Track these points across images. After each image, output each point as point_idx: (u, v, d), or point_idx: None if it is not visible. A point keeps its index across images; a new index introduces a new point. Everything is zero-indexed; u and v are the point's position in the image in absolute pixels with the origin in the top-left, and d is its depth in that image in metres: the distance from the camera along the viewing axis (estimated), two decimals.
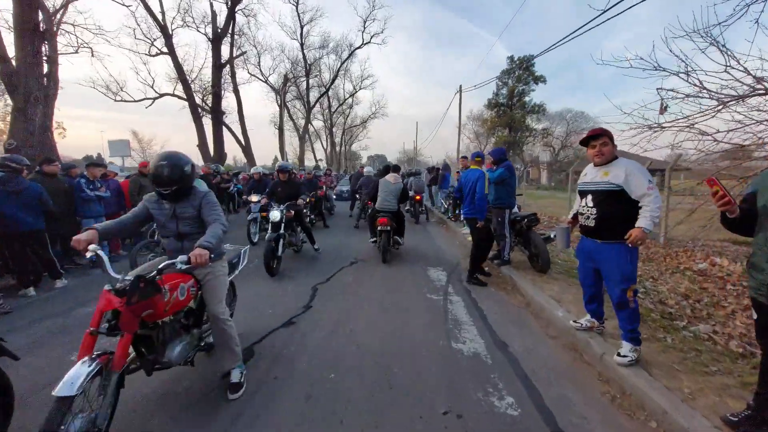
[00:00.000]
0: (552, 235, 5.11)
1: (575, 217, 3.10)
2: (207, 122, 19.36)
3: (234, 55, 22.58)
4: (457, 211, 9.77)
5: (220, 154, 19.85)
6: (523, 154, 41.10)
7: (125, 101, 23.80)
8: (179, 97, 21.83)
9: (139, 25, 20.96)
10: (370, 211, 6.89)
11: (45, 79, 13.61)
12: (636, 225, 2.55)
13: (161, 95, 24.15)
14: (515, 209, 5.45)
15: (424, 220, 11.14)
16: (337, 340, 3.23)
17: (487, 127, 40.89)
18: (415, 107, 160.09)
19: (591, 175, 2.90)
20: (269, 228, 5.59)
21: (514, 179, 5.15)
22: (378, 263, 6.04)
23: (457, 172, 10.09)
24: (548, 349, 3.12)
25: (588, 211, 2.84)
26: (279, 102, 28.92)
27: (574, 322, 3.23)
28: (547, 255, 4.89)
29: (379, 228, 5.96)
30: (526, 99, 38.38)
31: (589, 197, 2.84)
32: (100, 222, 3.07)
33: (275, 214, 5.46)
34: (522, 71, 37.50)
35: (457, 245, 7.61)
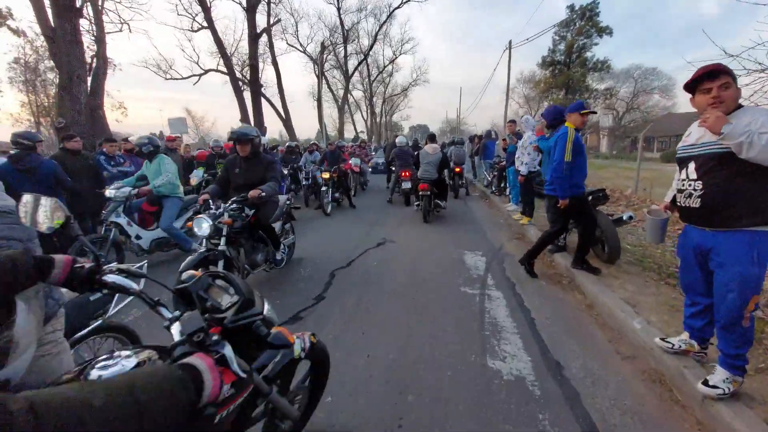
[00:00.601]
0: (625, 217, 4.07)
1: (673, 200, 2.17)
2: (248, 96, 19.29)
3: (270, 23, 22.08)
4: (502, 185, 8.70)
5: (260, 127, 19.87)
6: None
7: (174, 79, 24.62)
8: (221, 72, 22.02)
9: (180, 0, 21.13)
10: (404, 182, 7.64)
11: (94, 58, 13.92)
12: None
13: (206, 71, 24.66)
14: None
15: (464, 195, 10.13)
16: (345, 344, 2.67)
17: (540, 90, 37.21)
18: (459, 74, 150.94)
19: (697, 135, 1.95)
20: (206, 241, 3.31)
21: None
22: (408, 244, 5.40)
23: (503, 139, 8.90)
24: (621, 378, 2.30)
25: (691, 186, 1.93)
26: (317, 72, 28.21)
27: (663, 340, 2.35)
28: (618, 241, 3.89)
29: (420, 193, 6.71)
30: (588, 55, 34.09)
31: (692, 166, 1.92)
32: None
33: (203, 225, 3.09)
34: (584, 22, 33.14)
35: (501, 225, 6.68)
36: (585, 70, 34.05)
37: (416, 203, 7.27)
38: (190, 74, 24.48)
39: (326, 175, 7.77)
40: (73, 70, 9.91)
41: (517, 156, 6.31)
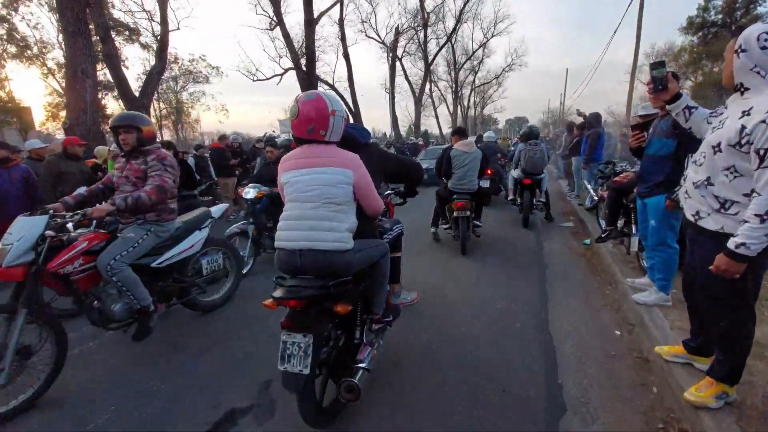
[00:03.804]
0: None
1: None
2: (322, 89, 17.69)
3: (342, 14, 20.21)
4: (621, 222, 4.32)
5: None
6: None
7: (260, 80, 24.72)
8: (293, 68, 20.94)
9: (259, 1, 20.71)
10: (439, 189, 5.08)
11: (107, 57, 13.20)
12: None
13: (286, 70, 24.24)
14: None
15: (539, 222, 6.14)
16: None
17: (683, 62, 28.11)
18: (564, 58, 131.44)
19: None
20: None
21: None
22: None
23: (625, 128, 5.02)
24: None
25: None
26: (389, 61, 25.59)
27: None
28: None
29: (455, 214, 4.57)
30: (762, 9, 24.23)
31: None
32: None
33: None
34: None
35: (615, 322, 2.96)
36: None
37: (445, 226, 5.04)
38: (272, 74, 24.35)
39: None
40: (77, 64, 8.93)
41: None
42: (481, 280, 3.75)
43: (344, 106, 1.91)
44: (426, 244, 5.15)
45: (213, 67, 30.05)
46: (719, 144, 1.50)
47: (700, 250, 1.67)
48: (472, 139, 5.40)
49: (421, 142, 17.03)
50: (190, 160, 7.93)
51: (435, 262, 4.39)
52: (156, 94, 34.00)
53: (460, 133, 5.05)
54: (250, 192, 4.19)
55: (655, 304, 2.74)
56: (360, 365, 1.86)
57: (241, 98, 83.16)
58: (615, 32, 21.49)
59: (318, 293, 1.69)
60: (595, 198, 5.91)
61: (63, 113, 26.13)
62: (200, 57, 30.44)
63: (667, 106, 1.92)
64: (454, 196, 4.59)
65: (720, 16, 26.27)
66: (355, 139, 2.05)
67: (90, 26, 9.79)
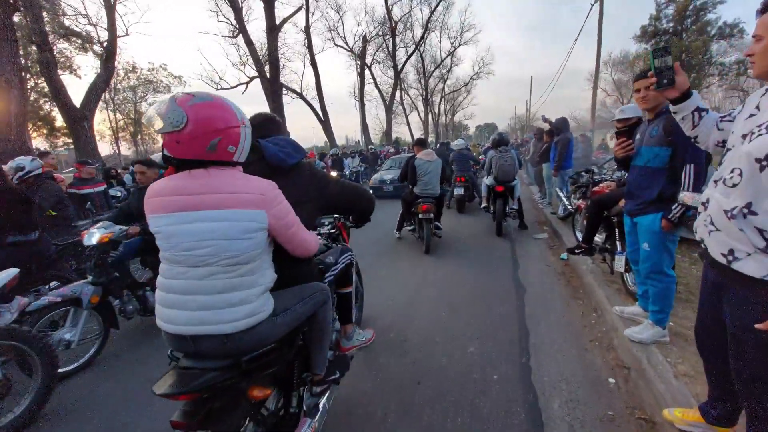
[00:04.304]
0: None
1: None
2: (291, 101, 17.01)
3: (308, 21, 19.65)
4: (603, 235, 4.11)
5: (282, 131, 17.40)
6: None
7: (224, 89, 23.56)
8: (257, 77, 20.06)
9: (220, 7, 19.80)
10: (404, 195, 5.53)
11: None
12: None
13: (251, 78, 23.29)
14: None
15: (513, 230, 6.01)
16: None
17: (641, 69, 29.44)
18: (530, 65, 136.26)
19: None
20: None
21: None
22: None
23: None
24: None
25: None
26: (358, 69, 25.25)
27: None
28: None
29: (420, 216, 5.08)
30: (710, 17, 25.78)
31: None
32: None
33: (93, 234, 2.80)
34: None
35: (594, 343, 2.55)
36: (706, 38, 25.75)
37: (409, 227, 5.77)
38: (237, 83, 23.33)
39: None
40: (1, 73, 7.87)
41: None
42: (454, 308, 3.25)
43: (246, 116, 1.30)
44: (392, 251, 5.20)
45: (175, 77, 28.72)
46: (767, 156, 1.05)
47: (734, 304, 1.22)
48: (430, 150, 5.69)
49: (391, 150, 16.61)
50: (127, 177, 7.08)
51: (402, 280, 3.93)
52: (112, 105, 32.12)
53: (421, 144, 5.64)
54: (93, 235, 2.77)
55: (651, 341, 2.31)
56: None
57: None
58: (576, 40, 22.10)
59: (223, 378, 1.20)
60: (569, 207, 5.60)
61: None
62: (161, 66, 29.03)
63: (671, 107, 1.48)
64: (419, 200, 5.06)
65: (672, 24, 27.75)
66: (279, 159, 1.49)
67: (18, 33, 8.72)
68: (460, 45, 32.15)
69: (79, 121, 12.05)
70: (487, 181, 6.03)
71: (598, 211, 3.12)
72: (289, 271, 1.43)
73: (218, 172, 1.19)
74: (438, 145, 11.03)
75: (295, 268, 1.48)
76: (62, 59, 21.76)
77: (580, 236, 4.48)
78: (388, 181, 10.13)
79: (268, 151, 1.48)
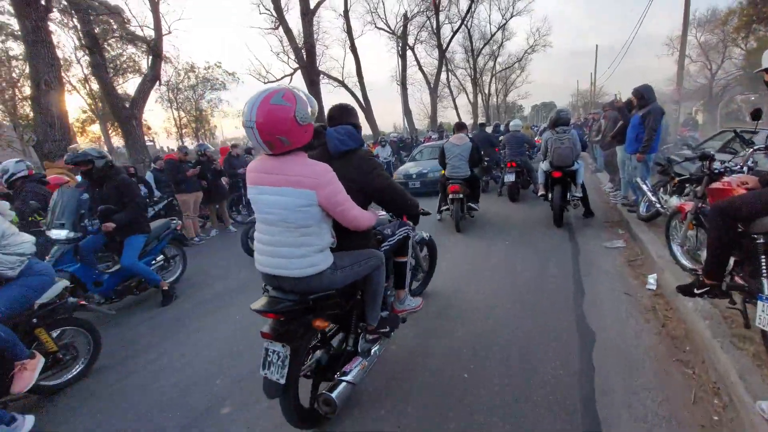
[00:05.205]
0: None
1: None
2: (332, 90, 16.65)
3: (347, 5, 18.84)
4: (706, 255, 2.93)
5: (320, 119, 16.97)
6: None
7: (270, 82, 23.79)
8: (299, 68, 19.73)
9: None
10: (440, 178, 5.85)
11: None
12: None
13: (295, 69, 23.22)
14: None
15: (578, 219, 5.38)
16: None
17: (734, 27, 24.39)
18: (593, 34, 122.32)
19: None
20: None
21: None
22: None
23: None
24: None
25: None
26: (399, 51, 23.92)
27: None
28: None
29: (450, 196, 5.41)
30: None
31: None
32: None
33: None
34: None
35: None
36: None
37: (445, 208, 5.86)
38: (282, 75, 23.38)
39: None
40: (39, 76, 8.09)
41: None
42: (486, 350, 2.28)
43: (307, 102, 1.58)
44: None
45: (229, 74, 29.66)
46: None
47: None
48: (463, 134, 5.85)
49: (434, 136, 15.32)
50: (149, 176, 6.86)
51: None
52: (175, 104, 34.22)
53: (458, 128, 5.95)
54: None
55: None
56: (343, 378, 1.82)
57: None
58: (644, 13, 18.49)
59: (295, 308, 1.68)
60: (658, 206, 4.19)
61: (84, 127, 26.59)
62: (215, 64, 30.22)
63: None
64: (450, 181, 5.35)
65: None
66: (334, 146, 1.86)
67: (52, 35, 8.93)
68: (512, 16, 29.16)
69: (128, 119, 12.47)
70: (543, 166, 5.47)
71: (729, 226, 1.91)
72: (348, 238, 1.81)
73: (278, 159, 1.58)
74: (479, 128, 9.82)
75: (352, 236, 1.83)
76: (131, 63, 23.36)
77: (682, 257, 3.18)
78: (414, 176, 8.51)
79: (329, 138, 1.86)
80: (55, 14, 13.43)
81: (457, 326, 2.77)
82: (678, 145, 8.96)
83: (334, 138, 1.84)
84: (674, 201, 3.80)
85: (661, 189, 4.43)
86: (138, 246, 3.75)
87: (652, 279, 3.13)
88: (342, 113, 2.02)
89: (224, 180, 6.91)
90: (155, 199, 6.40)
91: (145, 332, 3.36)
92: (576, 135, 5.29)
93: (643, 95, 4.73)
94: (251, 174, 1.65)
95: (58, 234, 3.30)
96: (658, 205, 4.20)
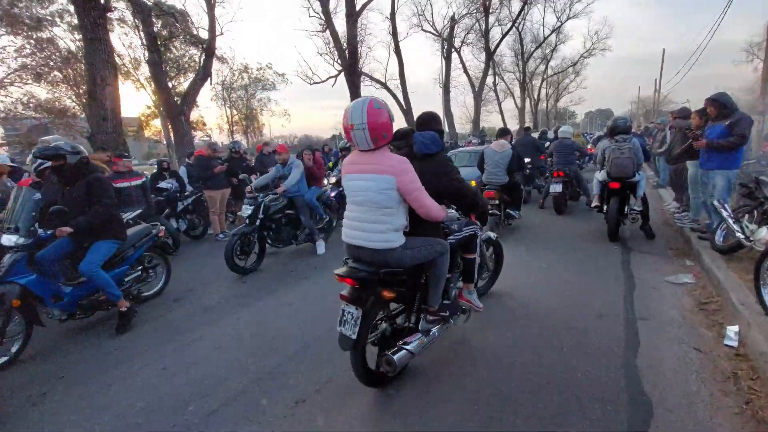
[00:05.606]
0: None
1: None
2: (374, 92, 16.65)
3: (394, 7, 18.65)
4: None
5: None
6: None
7: (316, 83, 24.29)
8: (342, 70, 19.87)
9: (311, 4, 20.06)
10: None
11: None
12: None
13: (339, 71, 23.50)
14: None
15: (632, 240, 4.78)
16: None
17: None
18: (658, 41, 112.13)
19: None
20: None
21: None
22: None
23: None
24: None
25: None
26: (444, 53, 23.32)
27: None
28: None
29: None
30: None
31: None
32: None
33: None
34: None
35: None
36: None
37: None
38: (327, 77, 23.69)
39: None
40: (96, 71, 8.61)
41: None
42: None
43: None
44: None
45: (279, 74, 30.75)
46: None
47: None
48: (505, 141, 5.70)
49: (474, 141, 14.62)
50: (182, 170, 6.98)
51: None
52: (228, 102, 36.06)
53: (501, 134, 5.72)
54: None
55: None
56: (404, 346, 2.11)
57: (304, 103, 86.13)
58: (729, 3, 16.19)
59: (369, 277, 2.01)
60: (740, 235, 3.43)
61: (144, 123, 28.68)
62: (267, 65, 31.54)
63: None
64: (486, 187, 5.30)
65: None
66: (417, 149, 2.28)
67: (109, 31, 9.48)
68: (568, 18, 27.40)
69: (177, 116, 13.08)
70: (599, 176, 5.13)
71: None
72: (420, 226, 2.14)
73: (375, 151, 1.95)
74: (524, 132, 9.18)
75: (424, 225, 2.15)
76: (192, 63, 24.79)
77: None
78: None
79: (415, 141, 2.29)
80: (115, 13, 14.36)
81: (466, 378, 2.32)
82: (761, 162, 7.76)
83: (419, 141, 2.28)
84: (765, 233, 3.06)
85: (746, 216, 3.64)
86: (105, 252, 3.24)
87: (732, 332, 2.47)
88: (430, 120, 2.47)
89: (253, 177, 6.88)
90: (186, 193, 6.48)
91: (150, 332, 3.23)
92: (638, 144, 4.81)
93: (725, 104, 3.94)
94: (348, 166, 2.08)
95: (9, 240, 2.87)
96: (740, 235, 3.44)
